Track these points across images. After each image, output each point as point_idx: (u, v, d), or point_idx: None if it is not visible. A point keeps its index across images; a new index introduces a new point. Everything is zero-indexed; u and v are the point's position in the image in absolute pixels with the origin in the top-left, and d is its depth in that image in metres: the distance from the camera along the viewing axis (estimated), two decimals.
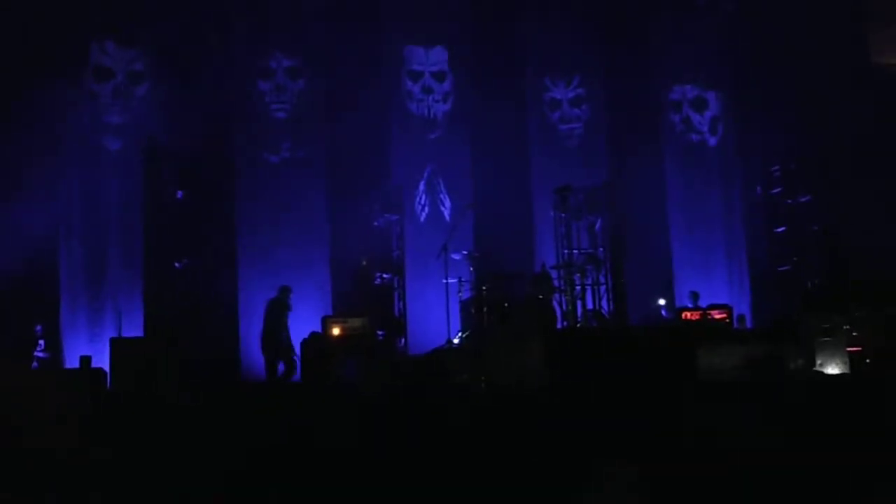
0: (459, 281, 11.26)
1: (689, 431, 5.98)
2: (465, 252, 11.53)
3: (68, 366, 10.84)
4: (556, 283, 11.63)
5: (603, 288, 11.75)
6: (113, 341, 9.52)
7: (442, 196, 12.90)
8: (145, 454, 5.41)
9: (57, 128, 11.48)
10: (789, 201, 13.14)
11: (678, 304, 12.54)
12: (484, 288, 10.88)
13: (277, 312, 10.96)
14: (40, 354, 10.93)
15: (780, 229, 13.25)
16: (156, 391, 8.19)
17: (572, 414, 6.59)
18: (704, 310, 11.40)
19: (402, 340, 11.96)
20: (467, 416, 6.45)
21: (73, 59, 11.69)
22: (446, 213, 12.85)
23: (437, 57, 13.20)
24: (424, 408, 6.46)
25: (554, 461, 5.45)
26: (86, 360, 8.94)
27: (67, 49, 11.61)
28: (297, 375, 10.39)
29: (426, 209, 12.87)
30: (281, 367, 10.76)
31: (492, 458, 5.51)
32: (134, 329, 11.20)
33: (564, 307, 11.48)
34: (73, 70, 11.69)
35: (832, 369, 8.69)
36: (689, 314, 11.50)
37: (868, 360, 8.84)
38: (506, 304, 10.57)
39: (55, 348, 11.11)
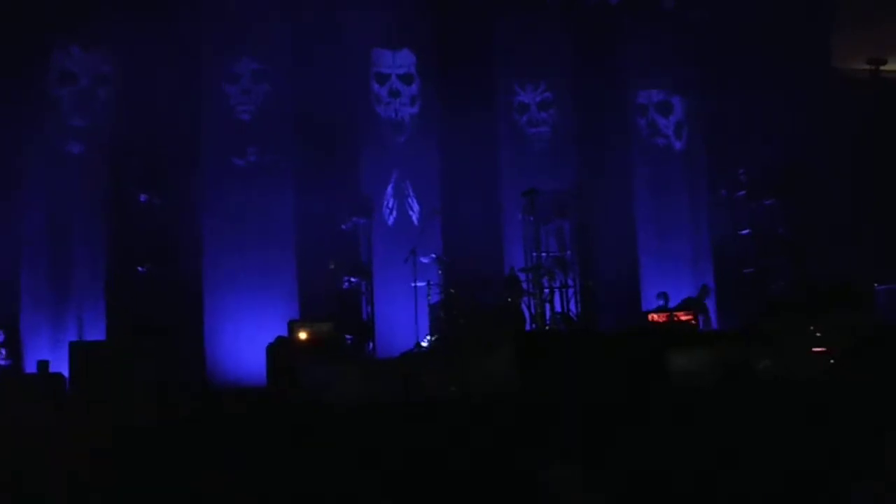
0: (428, 284, 11.24)
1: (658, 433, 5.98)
2: (433, 256, 11.53)
3: (28, 371, 10.65)
4: (524, 286, 11.67)
5: (571, 291, 11.83)
6: (73, 345, 9.35)
7: (410, 200, 12.85)
8: (114, 464, 5.30)
9: (19, 132, 11.27)
10: (754, 204, 13.30)
11: (647, 306, 12.60)
12: (452, 291, 10.88)
13: None
14: (1, 362, 10.72)
15: (744, 232, 13.38)
16: (118, 396, 8.06)
17: (542, 417, 6.58)
18: (671, 311, 11.48)
19: (371, 345, 11.90)
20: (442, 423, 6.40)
21: (36, 62, 11.48)
22: (414, 217, 12.80)
23: (403, 60, 13.15)
24: (399, 415, 6.41)
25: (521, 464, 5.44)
26: (43, 365, 8.77)
27: (30, 53, 11.40)
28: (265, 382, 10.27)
29: (394, 213, 12.82)
30: None
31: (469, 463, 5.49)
32: (97, 333, 11.04)
33: (533, 310, 11.52)
34: (38, 74, 11.49)
35: (798, 370, 8.75)
36: (655, 316, 11.55)
37: (833, 361, 8.92)
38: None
39: (16, 354, 10.90)
